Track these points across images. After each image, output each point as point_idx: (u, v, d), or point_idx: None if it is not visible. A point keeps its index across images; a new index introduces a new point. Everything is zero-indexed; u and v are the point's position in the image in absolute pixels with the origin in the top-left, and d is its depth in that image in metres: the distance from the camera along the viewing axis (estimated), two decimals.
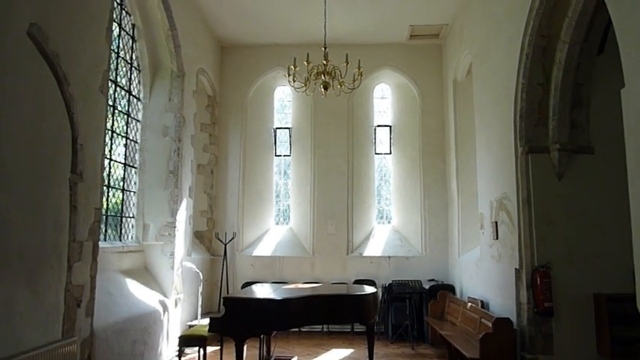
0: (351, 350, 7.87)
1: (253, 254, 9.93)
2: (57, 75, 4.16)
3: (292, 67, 6.69)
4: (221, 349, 6.51)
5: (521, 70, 5.76)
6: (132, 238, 7.29)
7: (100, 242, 5.06)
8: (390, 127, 10.61)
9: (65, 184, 4.33)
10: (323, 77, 6.69)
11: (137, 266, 7.16)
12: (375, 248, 9.91)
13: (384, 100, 10.85)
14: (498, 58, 6.60)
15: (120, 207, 7.02)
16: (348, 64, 6.61)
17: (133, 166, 7.38)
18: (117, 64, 6.77)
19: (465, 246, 8.73)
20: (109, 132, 6.50)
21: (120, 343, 5.58)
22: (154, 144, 7.66)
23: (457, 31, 8.94)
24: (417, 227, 9.98)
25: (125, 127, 7.16)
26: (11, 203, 3.59)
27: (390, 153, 10.57)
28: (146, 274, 7.27)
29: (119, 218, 6.97)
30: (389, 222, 10.47)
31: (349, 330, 9.12)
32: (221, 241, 9.57)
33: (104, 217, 6.28)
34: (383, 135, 10.63)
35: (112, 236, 6.72)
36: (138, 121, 7.55)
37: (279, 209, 10.69)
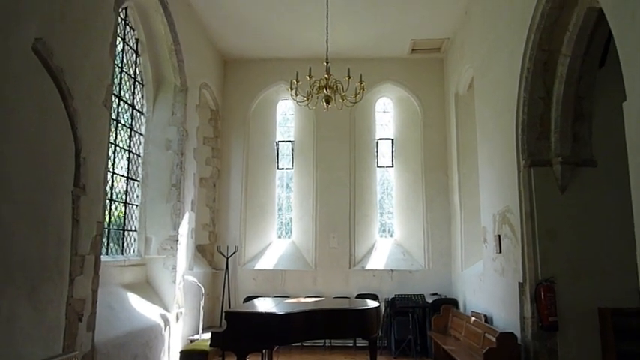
0: None
1: (255, 268, 9.90)
2: (61, 89, 4.20)
3: (294, 81, 6.73)
4: None
5: (522, 84, 5.78)
6: (134, 251, 7.28)
7: (101, 256, 5.06)
8: (392, 140, 10.63)
9: (68, 197, 4.34)
10: (325, 91, 6.72)
11: (139, 280, 7.14)
12: (377, 262, 9.87)
13: (386, 113, 10.89)
14: (500, 72, 6.63)
15: (122, 220, 7.02)
16: (350, 78, 6.65)
17: (135, 180, 7.40)
18: (120, 78, 6.82)
19: (468, 260, 8.69)
20: (112, 146, 6.52)
21: (121, 357, 5.54)
22: (157, 157, 7.69)
23: (458, 45, 9.00)
24: (419, 241, 9.94)
25: (128, 141, 7.19)
26: (14, 217, 3.59)
27: (392, 166, 10.58)
28: (148, 288, 7.25)
29: (121, 232, 6.97)
30: (391, 235, 10.44)
31: (352, 344, 9.04)
32: (223, 254, 9.54)
33: (106, 230, 6.27)
34: (385, 148, 10.65)
35: (114, 250, 6.71)
36: (141, 134, 7.58)
37: (282, 222, 10.68)
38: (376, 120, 10.75)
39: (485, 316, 6.96)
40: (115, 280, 6.35)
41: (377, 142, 10.62)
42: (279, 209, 10.70)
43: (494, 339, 5.75)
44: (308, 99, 6.80)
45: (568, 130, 5.68)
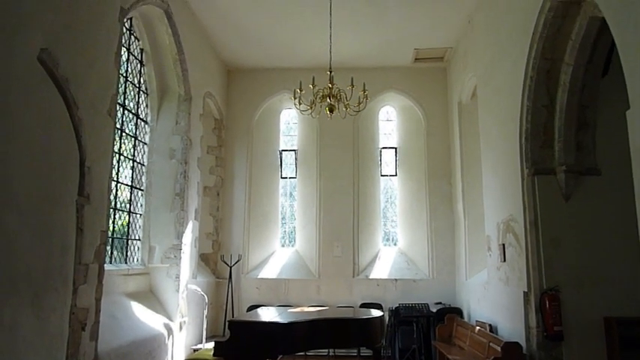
0: None
1: (259, 277, 9.87)
2: (66, 99, 4.23)
3: (298, 90, 6.76)
4: None
5: (525, 93, 5.78)
6: (137, 260, 7.29)
7: (105, 265, 5.06)
8: (396, 149, 10.63)
9: (72, 206, 4.35)
10: (328, 100, 6.74)
11: (142, 289, 7.13)
12: (381, 271, 9.83)
13: (390, 122, 10.90)
14: (503, 81, 6.63)
15: (126, 229, 7.03)
16: (353, 87, 6.67)
17: (139, 189, 7.42)
18: (125, 87, 6.86)
19: (472, 268, 8.64)
20: (117, 155, 6.55)
21: None
22: (161, 166, 7.71)
23: (461, 54, 9.02)
24: (423, 249, 9.91)
25: (132, 150, 7.22)
26: (18, 225, 3.60)
27: (396, 175, 10.57)
28: (151, 297, 7.24)
29: (125, 241, 6.98)
30: (395, 244, 10.41)
31: (355, 354, 8.98)
32: (226, 263, 9.53)
33: (110, 239, 6.28)
34: (388, 157, 10.65)
35: (117, 259, 6.71)
36: (145, 143, 7.61)
37: (285, 231, 10.67)
38: (379, 129, 10.75)
39: (490, 325, 6.91)
40: (118, 289, 6.35)
41: (380, 151, 10.62)
42: (283, 218, 10.69)
43: (499, 349, 5.70)
44: (311, 108, 6.82)
45: (572, 139, 5.67)
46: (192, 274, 8.15)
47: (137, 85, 7.33)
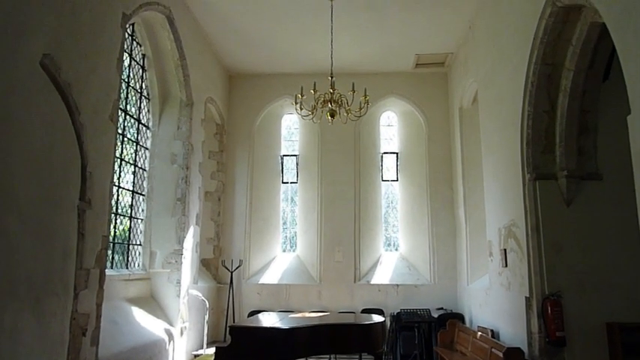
0: None
1: (260, 282, 9.86)
2: (68, 104, 4.24)
3: (299, 95, 6.77)
4: None
5: (526, 98, 5.79)
6: (138, 265, 7.28)
7: (106, 270, 5.05)
8: (397, 154, 10.63)
9: (73, 211, 4.36)
10: (330, 105, 6.75)
11: (143, 294, 7.12)
12: (382, 276, 9.81)
13: (391, 127, 10.92)
14: (504, 86, 6.64)
15: (127, 234, 7.03)
16: (354, 92, 6.68)
17: (140, 194, 7.42)
18: (127, 93, 6.88)
19: (474, 274, 8.62)
20: (118, 160, 6.57)
21: None
22: (162, 171, 7.72)
23: (462, 59, 9.04)
24: (425, 255, 9.89)
25: (134, 155, 7.24)
26: (20, 230, 3.61)
27: (397, 180, 10.57)
28: (152, 302, 7.23)
29: (126, 245, 6.97)
30: (396, 249, 10.39)
31: None
32: (227, 268, 9.52)
33: (111, 244, 6.28)
34: (390, 162, 10.66)
35: (118, 264, 6.71)
36: (146, 148, 7.63)
37: (286, 236, 10.66)
38: (381, 134, 10.77)
39: (491, 331, 6.88)
40: (119, 294, 6.34)
41: (381, 156, 10.62)
42: (284, 223, 10.68)
43: (501, 354, 5.68)
44: (313, 113, 6.83)
45: (573, 144, 5.67)
46: (193, 280, 8.15)
47: (139, 91, 7.35)
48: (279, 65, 10.13)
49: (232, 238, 10.07)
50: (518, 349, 5.68)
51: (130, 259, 7.02)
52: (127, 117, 6.93)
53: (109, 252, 6.05)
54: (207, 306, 8.06)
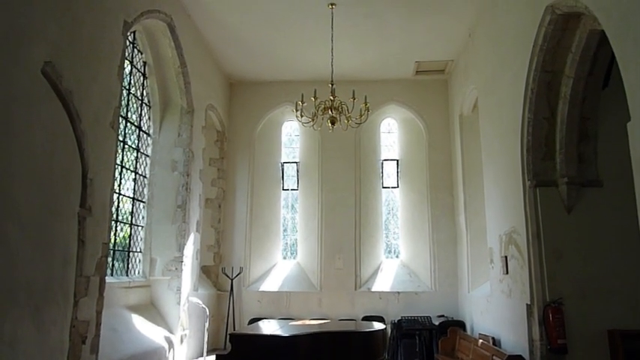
0: None
1: (260, 289, 9.83)
2: (69, 112, 4.26)
3: (300, 102, 6.79)
4: None
5: (526, 105, 5.80)
6: (139, 272, 7.27)
7: (106, 277, 5.04)
8: (397, 161, 10.64)
9: (74, 218, 4.36)
10: (330, 112, 6.77)
11: (143, 301, 7.10)
12: (383, 283, 9.78)
13: (391, 134, 10.93)
14: (504, 93, 6.66)
15: (127, 241, 7.02)
16: (354, 99, 6.70)
17: (141, 201, 7.42)
18: (128, 100, 6.90)
19: (474, 281, 8.60)
20: (119, 167, 6.57)
21: None
22: (163, 179, 7.73)
23: (462, 66, 9.07)
24: (425, 262, 9.87)
25: (134, 162, 7.24)
26: (19, 237, 3.60)
27: (398, 187, 10.57)
28: (152, 310, 7.21)
29: (126, 253, 6.96)
30: (397, 256, 10.37)
31: None
32: (228, 276, 9.50)
33: (111, 251, 6.27)
34: (390, 169, 10.66)
35: (118, 271, 6.69)
36: (147, 156, 7.63)
37: (287, 243, 10.64)
38: (381, 141, 10.78)
39: (493, 338, 6.86)
40: (119, 301, 6.33)
41: (382, 163, 10.63)
42: (285, 230, 10.67)
43: None
44: (313, 120, 6.85)
45: (573, 151, 5.68)
46: (193, 287, 8.13)
47: (140, 98, 7.37)
48: (279, 72, 10.16)
49: (233, 245, 10.06)
50: (520, 356, 5.66)
51: (130, 266, 7.00)
52: (128, 124, 6.94)
53: (109, 259, 6.04)
54: (208, 313, 8.03)
